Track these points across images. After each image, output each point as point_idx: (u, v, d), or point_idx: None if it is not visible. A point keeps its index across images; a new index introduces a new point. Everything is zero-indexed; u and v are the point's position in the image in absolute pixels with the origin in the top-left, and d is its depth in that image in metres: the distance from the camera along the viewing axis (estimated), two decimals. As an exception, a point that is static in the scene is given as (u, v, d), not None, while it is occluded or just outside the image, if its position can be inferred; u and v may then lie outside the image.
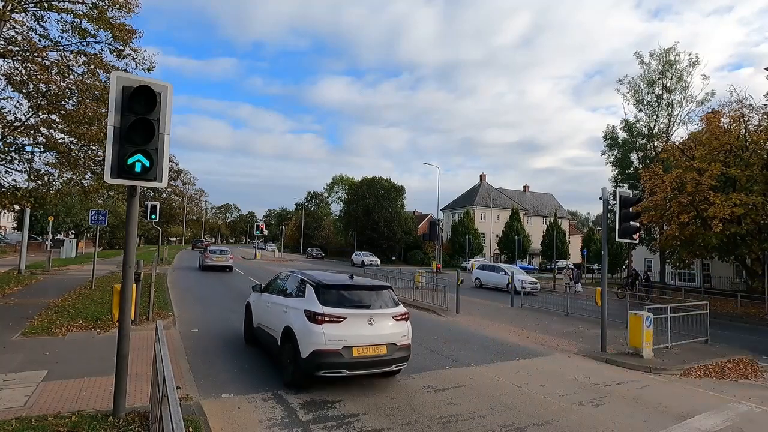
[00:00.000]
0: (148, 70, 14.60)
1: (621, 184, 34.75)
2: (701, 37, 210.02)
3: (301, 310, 6.79)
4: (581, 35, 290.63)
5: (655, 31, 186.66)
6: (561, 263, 43.66)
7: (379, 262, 47.29)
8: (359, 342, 6.54)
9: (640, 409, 6.80)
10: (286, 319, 7.16)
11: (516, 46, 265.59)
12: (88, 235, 47.05)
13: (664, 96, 33.73)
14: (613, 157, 36.31)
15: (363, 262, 46.33)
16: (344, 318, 6.57)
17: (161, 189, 46.15)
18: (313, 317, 6.53)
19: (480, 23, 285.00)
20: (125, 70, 13.53)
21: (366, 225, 56.79)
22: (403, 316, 7.15)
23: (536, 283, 25.35)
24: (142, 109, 5.03)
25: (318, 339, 6.38)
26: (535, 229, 60.58)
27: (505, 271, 25.73)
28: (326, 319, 6.49)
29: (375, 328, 6.72)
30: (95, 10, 13.26)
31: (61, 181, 14.58)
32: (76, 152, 13.95)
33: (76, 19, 13.28)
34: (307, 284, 7.28)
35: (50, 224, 28.32)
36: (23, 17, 13.32)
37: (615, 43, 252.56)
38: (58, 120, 13.26)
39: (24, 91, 12.91)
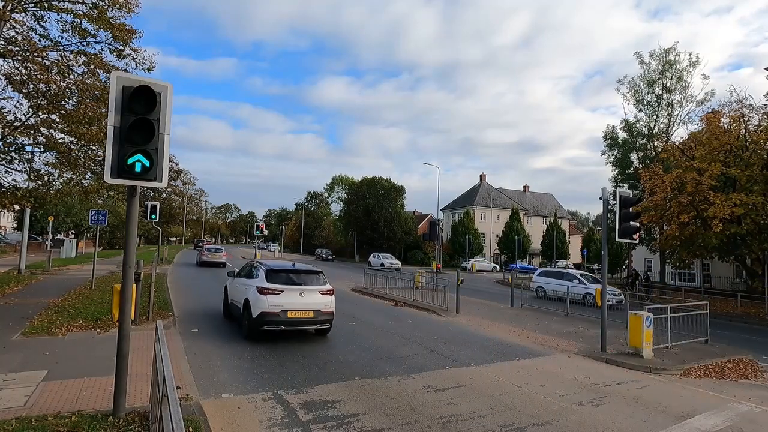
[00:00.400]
0: (148, 70, 14.61)
1: (621, 184, 34.77)
2: (701, 37, 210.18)
3: (254, 286, 9.64)
4: (581, 35, 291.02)
5: (654, 32, 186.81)
6: (561, 263, 43.63)
7: (400, 265, 42.23)
8: (292, 307, 9.37)
9: (640, 409, 6.80)
10: (245, 293, 9.99)
11: (516, 47, 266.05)
12: (88, 235, 47.05)
13: (664, 96, 33.76)
14: (613, 157, 36.33)
15: (383, 264, 40.74)
16: (282, 291, 9.42)
17: (161, 189, 46.20)
18: (260, 290, 9.41)
19: (480, 23, 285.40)
20: (125, 70, 13.53)
21: (366, 225, 56.78)
22: (329, 292, 10.07)
23: (620, 295, 19.96)
24: (142, 109, 5.04)
25: (263, 305, 9.26)
26: (535, 229, 60.57)
27: (578, 279, 21.02)
28: (269, 291, 9.37)
29: (305, 299, 9.64)
30: (95, 10, 13.27)
31: (61, 181, 14.58)
32: (76, 152, 13.95)
33: (76, 19, 13.28)
34: (261, 269, 10.13)
35: (50, 224, 28.33)
36: (23, 17, 13.32)
37: (614, 43, 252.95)
38: (58, 120, 13.26)
39: (24, 90, 12.91)
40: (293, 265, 10.73)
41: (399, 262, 44.34)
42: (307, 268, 10.64)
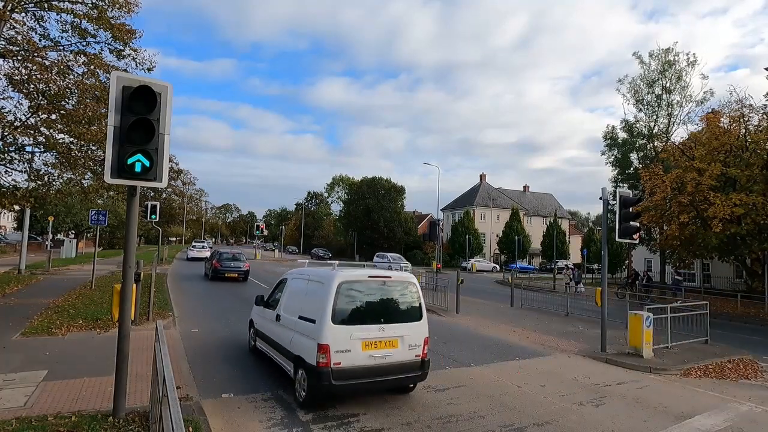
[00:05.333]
0: (148, 70, 14.61)
1: (621, 184, 34.73)
2: (697, 38, 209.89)
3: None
4: (578, 37, 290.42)
5: (650, 33, 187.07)
6: (561, 263, 43.63)
7: (410, 267, 35.28)
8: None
9: (640, 409, 6.80)
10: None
11: (513, 48, 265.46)
12: (88, 235, 47.03)
13: (664, 96, 33.73)
14: (612, 157, 36.29)
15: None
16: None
17: (161, 189, 46.14)
18: None
19: (477, 25, 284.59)
20: (125, 70, 13.52)
21: (366, 225, 56.77)
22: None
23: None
24: (142, 109, 5.03)
25: None
26: (535, 229, 60.53)
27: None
28: None
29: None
30: (95, 10, 13.27)
31: (61, 181, 14.58)
32: (76, 152, 13.94)
33: (76, 19, 13.28)
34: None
35: (50, 224, 28.30)
36: (23, 17, 13.32)
37: (611, 44, 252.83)
38: (58, 120, 13.26)
39: (24, 90, 12.91)
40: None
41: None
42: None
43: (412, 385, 6.89)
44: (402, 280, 6.93)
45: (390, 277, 6.77)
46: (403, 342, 6.33)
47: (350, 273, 6.56)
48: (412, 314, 6.62)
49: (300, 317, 6.64)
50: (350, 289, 6.26)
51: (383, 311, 6.42)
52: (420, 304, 6.75)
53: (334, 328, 5.89)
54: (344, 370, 5.84)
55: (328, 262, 7.39)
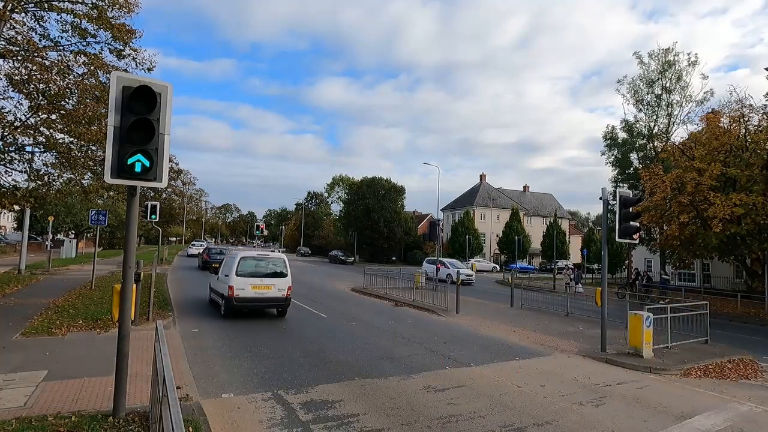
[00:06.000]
0: (149, 70, 14.60)
1: (621, 184, 34.72)
2: (697, 38, 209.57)
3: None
4: (578, 37, 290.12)
5: (650, 33, 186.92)
6: (561, 263, 43.62)
7: (474, 276, 31.52)
8: None
9: (640, 409, 6.80)
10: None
11: (513, 48, 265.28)
12: (88, 235, 47.04)
13: (664, 96, 33.72)
14: (612, 157, 36.28)
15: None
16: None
17: (161, 189, 46.13)
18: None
19: (477, 25, 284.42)
20: (125, 70, 13.52)
21: (366, 225, 56.72)
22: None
23: (472, 274, 19.18)
24: (142, 109, 5.03)
25: None
26: (535, 229, 60.54)
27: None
28: None
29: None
30: (95, 10, 13.25)
31: (61, 181, 14.57)
32: (76, 152, 13.94)
33: (76, 19, 13.26)
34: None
35: (50, 224, 28.31)
36: (23, 17, 13.31)
37: (611, 44, 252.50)
38: (58, 120, 13.25)
39: (24, 90, 12.90)
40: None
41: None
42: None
43: (280, 310, 13.12)
44: (276, 256, 13.49)
45: (268, 255, 13.53)
46: (275, 287, 12.54)
47: (249, 252, 13.89)
48: (281, 274, 12.82)
49: (224, 275, 12.81)
50: (246, 259, 12.76)
51: (264, 271, 12.76)
52: (286, 269, 12.96)
53: (236, 279, 12.12)
54: (240, 298, 12.08)
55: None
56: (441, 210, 63.96)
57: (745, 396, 7.95)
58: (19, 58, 12.83)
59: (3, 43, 12.81)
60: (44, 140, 13.40)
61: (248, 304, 12.22)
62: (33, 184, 14.16)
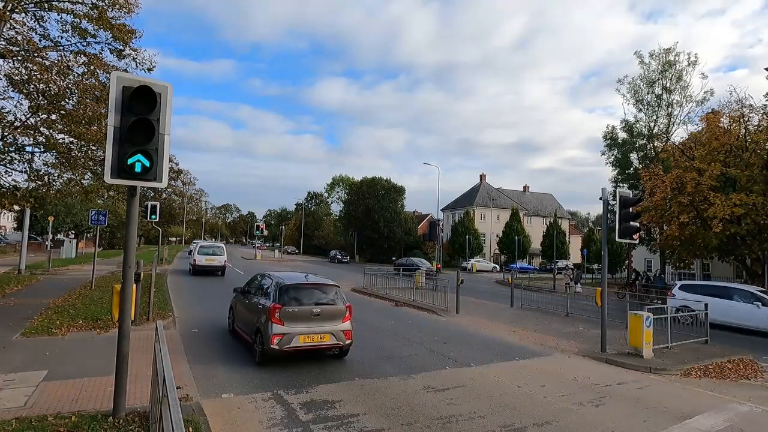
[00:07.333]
0: (149, 70, 14.61)
1: (621, 185, 34.72)
2: (695, 39, 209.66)
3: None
4: (577, 37, 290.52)
5: (649, 34, 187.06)
6: (561, 263, 43.63)
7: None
8: None
9: (640, 409, 6.80)
10: None
11: (512, 48, 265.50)
12: (88, 235, 47.02)
13: (664, 96, 33.72)
14: (612, 157, 36.29)
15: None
16: None
17: (161, 189, 46.12)
18: None
19: (477, 25, 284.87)
20: (125, 70, 13.52)
21: (366, 225, 56.76)
22: None
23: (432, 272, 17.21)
24: (142, 109, 5.04)
25: None
26: (535, 229, 60.49)
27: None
28: None
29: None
30: (95, 11, 13.26)
31: (61, 181, 14.58)
32: (76, 152, 13.95)
33: (76, 20, 13.28)
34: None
35: (50, 224, 28.31)
36: (23, 17, 13.31)
37: (610, 45, 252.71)
38: (58, 120, 13.26)
39: (24, 91, 12.91)
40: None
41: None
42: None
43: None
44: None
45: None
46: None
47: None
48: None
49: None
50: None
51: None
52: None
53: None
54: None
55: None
56: (441, 210, 63.93)
57: (745, 396, 7.94)
58: (19, 58, 12.84)
59: (3, 43, 12.81)
60: (44, 140, 13.41)
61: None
62: (33, 184, 14.18)
